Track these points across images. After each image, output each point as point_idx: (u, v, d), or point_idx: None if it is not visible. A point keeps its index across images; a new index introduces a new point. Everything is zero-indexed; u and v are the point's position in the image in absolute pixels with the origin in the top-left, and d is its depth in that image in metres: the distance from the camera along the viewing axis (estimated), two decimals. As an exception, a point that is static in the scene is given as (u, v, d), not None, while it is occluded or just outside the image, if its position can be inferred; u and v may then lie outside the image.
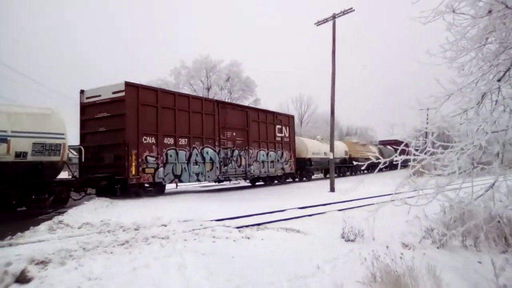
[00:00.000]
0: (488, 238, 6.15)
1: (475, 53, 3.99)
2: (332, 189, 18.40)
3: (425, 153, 3.90)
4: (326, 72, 18.91)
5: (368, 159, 4.93)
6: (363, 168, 4.99)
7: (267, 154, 22.37)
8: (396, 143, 38.37)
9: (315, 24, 20.17)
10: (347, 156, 33.70)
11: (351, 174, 37.15)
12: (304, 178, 28.84)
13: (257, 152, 21.51)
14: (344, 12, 19.05)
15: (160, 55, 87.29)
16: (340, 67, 19.64)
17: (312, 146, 29.82)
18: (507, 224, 5.95)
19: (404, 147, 4.30)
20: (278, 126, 23.64)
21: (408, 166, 4.22)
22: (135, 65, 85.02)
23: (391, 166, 7.00)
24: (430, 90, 4.37)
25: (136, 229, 8.08)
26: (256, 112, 22.78)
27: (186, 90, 45.38)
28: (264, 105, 51.10)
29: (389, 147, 43.60)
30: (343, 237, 7.27)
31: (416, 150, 4.03)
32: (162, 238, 7.11)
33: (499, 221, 5.40)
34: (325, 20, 19.74)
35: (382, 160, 4.34)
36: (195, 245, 6.64)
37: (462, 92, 3.85)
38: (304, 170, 28.77)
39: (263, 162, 21.94)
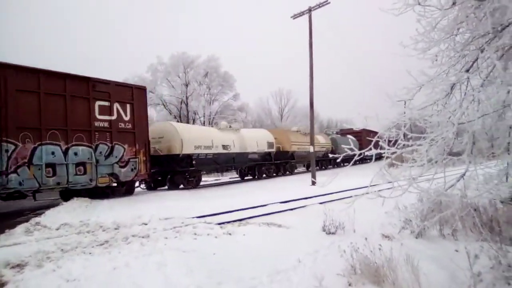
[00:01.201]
0: (465, 227, 6.29)
1: (445, 44, 4.05)
2: (313, 182, 18.55)
3: (398, 145, 3.94)
4: (305, 65, 18.68)
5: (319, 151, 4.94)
6: (338, 160, 4.99)
7: (65, 150, 12.29)
8: (358, 132, 36.71)
9: (291, 17, 20.21)
10: (273, 150, 26.00)
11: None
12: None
13: (34, 148, 11.45)
14: (319, 5, 19.11)
15: (138, 51, 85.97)
16: (319, 61, 19.79)
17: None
18: (483, 213, 6.10)
19: (376, 139, 4.32)
20: (101, 103, 13.77)
21: (382, 158, 4.26)
22: (112, 62, 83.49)
23: (364, 159, 6.99)
24: (405, 81, 4.42)
25: (116, 229, 7.97)
26: (33, 75, 11.83)
27: (164, 86, 44.96)
28: (245, 100, 50.98)
29: (350, 136, 40.43)
30: (324, 230, 7.33)
31: (390, 142, 4.07)
32: (143, 237, 7.04)
33: (475, 209, 5.53)
34: (301, 13, 19.78)
35: (357, 152, 4.36)
36: (176, 242, 6.59)
37: (432, 83, 3.90)
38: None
39: (51, 165, 11.83)
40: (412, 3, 3.84)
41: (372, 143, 4.32)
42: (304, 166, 36.08)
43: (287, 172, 28.70)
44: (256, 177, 25.04)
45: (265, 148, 25.12)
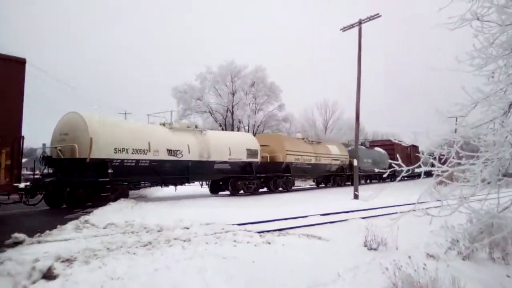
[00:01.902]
0: (517, 251, 5.96)
1: (503, 61, 3.88)
2: (356, 196, 18.20)
3: (449, 163, 3.81)
4: (351, 78, 18.20)
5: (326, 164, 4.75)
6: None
7: None
8: (390, 145, 36.30)
9: (341, 29, 20.05)
10: (255, 159, 20.41)
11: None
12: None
13: None
14: (370, 18, 18.86)
15: (186, 60, 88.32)
16: (365, 73, 19.45)
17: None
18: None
19: (425, 155, 4.19)
20: None
21: (432, 176, 4.13)
22: (162, 69, 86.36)
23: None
24: (456, 98, 4.28)
25: (159, 231, 8.19)
26: None
27: (211, 94, 45.84)
28: (289, 110, 50.82)
29: (378, 149, 37.79)
30: (365, 245, 7.18)
31: (440, 159, 3.94)
32: (184, 241, 7.19)
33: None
34: (351, 26, 19.59)
35: (404, 168, 4.25)
36: (216, 248, 6.68)
37: (489, 100, 3.75)
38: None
39: None
40: (470, 18, 3.73)
41: (421, 159, 4.20)
42: (313, 180, 32.24)
43: (280, 188, 23.18)
44: (231, 192, 19.79)
45: (242, 157, 19.70)
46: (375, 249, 6.99)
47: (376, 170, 20.59)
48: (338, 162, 29.10)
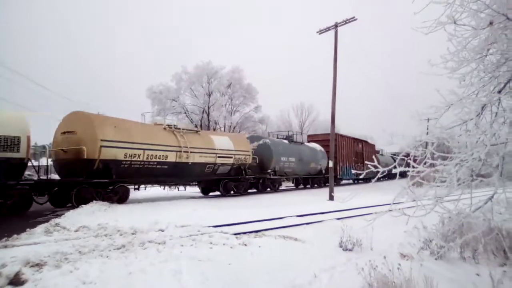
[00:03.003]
0: (487, 250, 6.13)
1: (476, 64, 3.99)
2: (331, 197, 18.38)
3: (424, 164, 3.88)
4: (327, 79, 18.34)
5: (206, 164, 4.65)
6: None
7: None
8: (328, 140, 27.12)
9: (317, 32, 20.23)
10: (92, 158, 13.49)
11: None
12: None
13: None
14: (346, 21, 19.11)
15: (161, 60, 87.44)
16: (342, 76, 19.69)
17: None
18: (506, 237, 5.92)
19: (401, 157, 4.23)
20: None
21: (406, 176, 4.20)
22: (137, 69, 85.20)
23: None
24: (430, 100, 4.37)
25: (133, 234, 8.03)
26: None
27: (187, 95, 45.44)
28: (266, 112, 50.86)
29: (312, 145, 30.31)
30: (340, 246, 7.24)
31: (415, 160, 4.00)
32: (159, 243, 7.07)
33: (497, 234, 5.38)
34: (327, 29, 19.80)
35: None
36: (192, 251, 6.59)
37: (462, 103, 3.84)
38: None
39: None
40: (445, 21, 3.81)
41: (396, 161, 4.25)
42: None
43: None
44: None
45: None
46: (350, 250, 7.05)
47: (312, 170, 21.55)
48: (231, 161, 20.26)
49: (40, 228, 8.40)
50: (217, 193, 20.69)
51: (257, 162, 22.67)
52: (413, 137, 4.18)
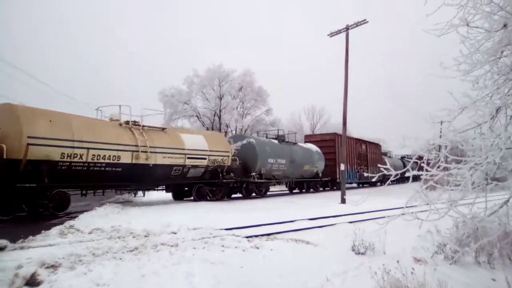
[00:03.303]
0: (503, 255, 6.05)
1: (489, 67, 3.95)
2: (343, 200, 18.29)
3: (438, 167, 3.84)
4: (338, 82, 18.02)
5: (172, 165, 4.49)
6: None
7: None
8: (330, 139, 29.05)
9: (328, 35, 20.19)
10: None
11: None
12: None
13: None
14: (357, 24, 19.05)
15: (173, 63, 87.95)
16: (353, 78, 19.60)
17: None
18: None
19: (415, 160, 4.19)
20: None
21: (417, 180, 4.16)
22: (148, 73, 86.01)
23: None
24: (443, 102, 4.34)
25: (146, 236, 8.09)
26: None
27: (198, 98, 45.67)
28: (277, 115, 50.75)
29: (304, 145, 28.04)
30: (353, 250, 7.20)
31: (428, 163, 3.97)
32: (171, 246, 7.11)
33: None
34: (338, 32, 19.74)
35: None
36: (204, 253, 6.62)
37: (476, 105, 3.80)
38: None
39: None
40: (458, 23, 3.78)
41: (410, 164, 4.21)
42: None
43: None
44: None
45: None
46: (363, 254, 7.01)
47: (306, 173, 20.69)
48: (204, 163, 17.67)
49: (55, 230, 8.52)
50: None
51: (240, 164, 20.18)
52: (426, 140, 4.15)
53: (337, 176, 27.51)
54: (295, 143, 26.23)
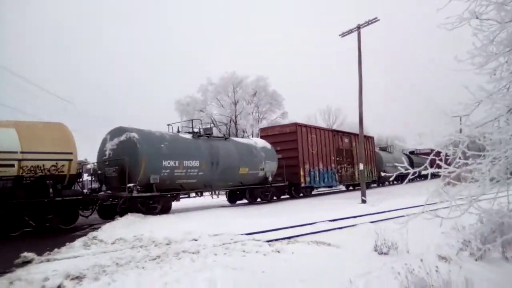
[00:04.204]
0: (530, 250, 5.88)
1: (505, 58, 3.86)
2: (363, 201, 18.09)
3: (456, 164, 3.78)
4: (353, 82, 17.48)
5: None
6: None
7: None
8: (291, 132, 22.45)
9: (339, 35, 20.06)
10: None
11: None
12: None
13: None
14: (368, 23, 18.88)
15: (186, 73, 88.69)
16: (367, 77, 19.43)
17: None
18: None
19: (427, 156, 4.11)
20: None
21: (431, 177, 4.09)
22: (161, 82, 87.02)
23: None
24: (459, 97, 4.26)
25: (167, 244, 8.17)
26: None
27: (213, 106, 46.04)
28: (292, 118, 50.63)
29: (248, 141, 21.43)
30: (375, 250, 7.10)
31: (446, 160, 3.90)
32: (193, 253, 7.15)
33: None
34: (350, 31, 19.61)
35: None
36: (225, 259, 6.64)
37: (492, 98, 3.72)
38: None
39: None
40: (468, 17, 3.72)
41: (427, 161, 4.13)
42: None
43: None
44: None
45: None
46: (385, 254, 6.91)
47: (245, 178, 16.73)
48: (10, 172, 11.60)
49: (78, 242, 8.69)
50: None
51: (115, 170, 14.23)
52: (443, 136, 4.08)
53: (302, 180, 22.29)
54: (226, 138, 19.43)
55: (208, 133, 18.10)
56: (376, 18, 18.64)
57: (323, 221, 11.08)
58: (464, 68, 3.96)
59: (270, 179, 20.21)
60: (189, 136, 17.03)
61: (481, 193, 3.60)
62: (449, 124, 4.13)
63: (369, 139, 32.03)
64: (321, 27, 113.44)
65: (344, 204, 17.29)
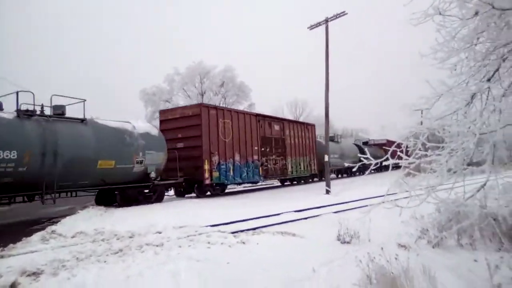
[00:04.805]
0: (484, 236, 6.16)
1: (465, 54, 3.99)
2: (328, 192, 18.42)
3: (416, 155, 3.89)
4: (321, 75, 17.20)
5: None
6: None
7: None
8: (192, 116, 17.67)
9: (308, 28, 20.21)
10: None
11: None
12: None
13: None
14: (336, 16, 19.09)
15: (153, 62, 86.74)
16: (334, 70, 19.67)
17: None
18: (502, 222, 5.96)
19: (391, 148, 4.21)
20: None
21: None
22: (129, 70, 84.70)
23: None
24: (423, 91, 4.38)
25: (130, 237, 8.00)
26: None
27: (180, 96, 45.32)
28: (260, 109, 50.73)
29: (109, 124, 14.23)
30: (338, 239, 7.25)
31: (407, 152, 4.00)
32: (157, 246, 7.04)
33: (494, 219, 5.40)
34: (318, 24, 19.78)
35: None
36: (190, 251, 6.57)
37: (452, 92, 3.85)
38: None
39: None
40: (432, 13, 3.81)
41: (389, 152, 4.23)
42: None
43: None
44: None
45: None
46: (348, 243, 7.06)
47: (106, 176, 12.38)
48: None
49: (36, 236, 8.33)
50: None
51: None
52: (404, 128, 4.18)
53: (207, 175, 17.62)
54: (81, 120, 13.34)
55: (57, 113, 12.68)
56: (344, 12, 18.86)
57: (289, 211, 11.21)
58: (427, 63, 4.06)
59: (153, 175, 15.45)
60: (9, 115, 11.28)
61: (439, 183, 3.72)
62: (411, 117, 4.24)
63: (308, 126, 28.25)
64: (293, 21, 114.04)
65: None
